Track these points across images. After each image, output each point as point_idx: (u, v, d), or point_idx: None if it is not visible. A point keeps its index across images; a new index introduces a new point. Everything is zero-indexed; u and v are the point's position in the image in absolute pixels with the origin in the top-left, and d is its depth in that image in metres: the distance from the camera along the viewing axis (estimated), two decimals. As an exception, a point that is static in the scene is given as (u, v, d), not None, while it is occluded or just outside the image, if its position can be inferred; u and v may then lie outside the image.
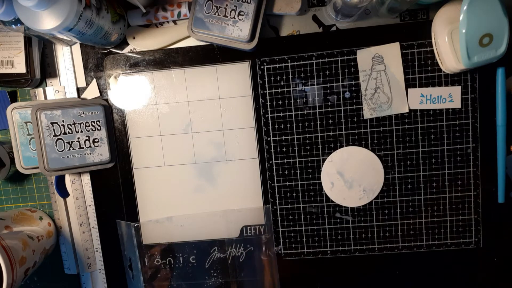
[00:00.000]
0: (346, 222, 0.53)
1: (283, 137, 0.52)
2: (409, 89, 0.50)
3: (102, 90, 0.53)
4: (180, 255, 0.54)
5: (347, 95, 0.50)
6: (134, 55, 0.52)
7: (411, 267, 0.53)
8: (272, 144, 0.52)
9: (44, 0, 0.37)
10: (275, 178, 0.52)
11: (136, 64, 0.52)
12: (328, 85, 0.50)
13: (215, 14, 0.47)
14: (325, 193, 0.52)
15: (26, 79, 0.50)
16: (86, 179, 0.54)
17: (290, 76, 0.51)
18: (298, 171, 0.52)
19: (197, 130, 0.52)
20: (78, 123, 0.50)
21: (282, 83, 0.51)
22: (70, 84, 0.53)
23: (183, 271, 0.55)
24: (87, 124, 0.50)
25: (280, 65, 0.51)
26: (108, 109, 0.52)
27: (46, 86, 0.53)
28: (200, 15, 0.47)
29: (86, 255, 0.55)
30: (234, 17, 0.46)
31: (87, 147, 0.50)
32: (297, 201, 0.53)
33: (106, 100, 0.53)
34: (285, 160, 0.52)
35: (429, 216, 0.52)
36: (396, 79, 0.49)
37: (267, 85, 0.51)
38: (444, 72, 0.49)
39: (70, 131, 0.49)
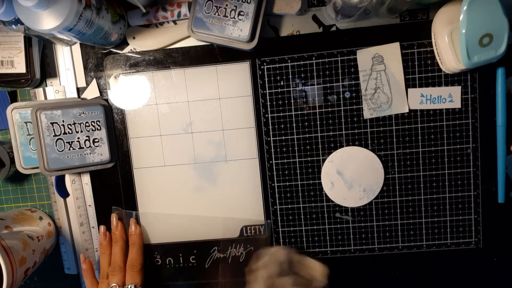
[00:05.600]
0: (346, 222, 0.53)
1: (283, 137, 0.52)
2: (409, 89, 0.50)
3: (102, 90, 0.53)
4: (180, 255, 0.54)
5: (347, 95, 0.50)
6: (134, 55, 0.52)
7: (411, 267, 0.53)
8: (272, 144, 0.52)
9: (44, 0, 0.37)
10: (275, 178, 0.52)
11: (136, 64, 0.52)
12: (328, 85, 0.50)
13: (215, 14, 0.47)
14: (325, 193, 0.52)
15: (26, 79, 0.50)
16: (86, 179, 0.54)
17: (290, 76, 0.51)
18: (298, 171, 0.52)
19: (197, 130, 0.52)
20: (78, 123, 0.50)
21: (282, 83, 0.51)
22: (70, 84, 0.53)
23: (183, 271, 0.55)
24: (87, 124, 0.50)
25: (280, 65, 0.51)
26: (108, 109, 0.52)
27: (46, 86, 0.53)
28: (200, 15, 0.47)
29: (86, 255, 0.55)
30: (234, 17, 0.46)
31: (87, 147, 0.50)
32: (297, 201, 0.53)
33: (106, 100, 0.53)
34: (285, 160, 0.52)
35: (429, 216, 0.52)
36: (396, 79, 0.49)
37: (267, 85, 0.51)
38: (444, 72, 0.49)
39: (70, 131, 0.49)
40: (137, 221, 0.54)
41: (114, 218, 0.53)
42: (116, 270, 0.50)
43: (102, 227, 0.53)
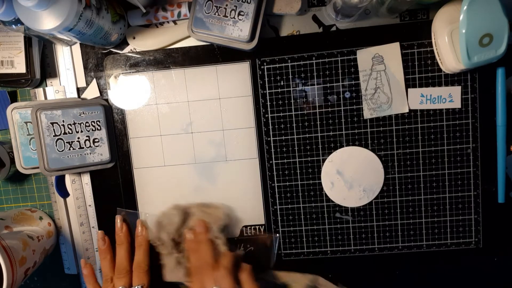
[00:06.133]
0: (346, 222, 0.53)
1: (283, 137, 0.52)
2: (409, 89, 0.50)
3: (102, 90, 0.53)
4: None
5: (347, 95, 0.50)
6: (134, 55, 0.52)
7: (411, 267, 0.53)
8: (272, 144, 0.52)
9: (44, 0, 0.37)
10: (275, 178, 0.52)
11: (136, 64, 0.52)
12: (328, 85, 0.50)
13: (215, 14, 0.47)
14: (325, 193, 0.52)
15: (26, 79, 0.50)
16: (86, 179, 0.54)
17: (290, 76, 0.51)
18: (298, 171, 0.52)
19: (197, 130, 0.52)
20: (78, 123, 0.50)
21: (282, 83, 0.51)
22: (70, 84, 0.53)
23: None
24: (87, 124, 0.50)
25: (280, 65, 0.51)
26: (108, 109, 0.52)
27: (46, 86, 0.53)
28: (200, 15, 0.47)
29: (86, 255, 0.55)
30: (234, 17, 0.46)
31: (87, 147, 0.50)
32: (297, 201, 0.53)
33: (106, 100, 0.53)
34: (285, 160, 0.52)
35: (429, 216, 0.52)
36: (396, 79, 0.49)
37: (267, 85, 0.51)
38: (444, 72, 0.49)
39: (70, 131, 0.49)
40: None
41: (118, 220, 0.53)
42: (123, 273, 0.49)
43: (99, 233, 0.52)
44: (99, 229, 0.54)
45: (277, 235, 0.53)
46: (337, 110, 0.51)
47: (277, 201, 0.53)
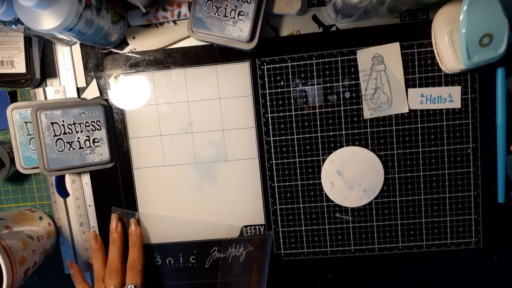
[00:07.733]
0: (346, 222, 0.53)
1: (283, 137, 0.52)
2: (409, 89, 0.50)
3: (102, 90, 0.53)
4: (180, 255, 0.54)
5: (347, 95, 0.50)
6: (134, 55, 0.52)
7: (411, 267, 0.53)
8: (272, 144, 0.52)
9: (44, 0, 0.37)
10: (275, 178, 0.52)
11: (136, 64, 0.52)
12: (328, 85, 0.50)
13: (215, 14, 0.47)
14: (325, 193, 0.52)
15: (26, 79, 0.50)
16: (86, 179, 0.54)
17: (290, 76, 0.51)
18: (298, 171, 0.52)
19: (197, 130, 0.52)
20: (78, 123, 0.50)
21: (282, 83, 0.51)
22: (70, 84, 0.53)
23: (183, 271, 0.54)
24: (87, 124, 0.50)
25: (280, 65, 0.51)
26: (108, 109, 0.52)
27: (46, 86, 0.53)
28: (200, 15, 0.47)
29: (86, 255, 0.55)
30: (234, 17, 0.46)
31: (87, 147, 0.50)
32: (297, 201, 0.53)
33: (106, 100, 0.53)
34: (285, 160, 0.52)
35: (429, 216, 0.52)
36: (396, 79, 0.49)
37: (267, 85, 0.51)
38: (444, 72, 0.49)
39: (70, 131, 0.49)
40: (138, 222, 0.54)
41: (114, 219, 0.53)
42: (114, 273, 0.49)
43: (91, 232, 0.53)
44: (99, 229, 0.54)
45: (271, 232, 0.53)
46: (337, 110, 0.51)
47: (277, 201, 0.53)
